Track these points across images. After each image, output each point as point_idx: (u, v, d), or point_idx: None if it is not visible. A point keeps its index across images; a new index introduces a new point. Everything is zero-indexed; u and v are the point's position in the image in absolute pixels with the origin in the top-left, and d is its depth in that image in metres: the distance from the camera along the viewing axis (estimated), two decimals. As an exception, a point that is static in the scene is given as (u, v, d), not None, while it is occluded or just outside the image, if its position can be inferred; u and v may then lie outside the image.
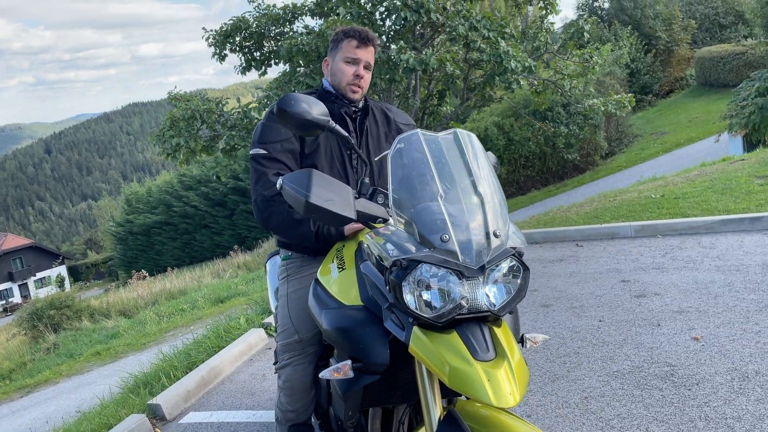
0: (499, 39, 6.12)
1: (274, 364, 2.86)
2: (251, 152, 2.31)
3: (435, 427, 1.62)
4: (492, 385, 1.44)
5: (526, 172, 20.08)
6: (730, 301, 3.93)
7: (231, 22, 7.65)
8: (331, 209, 1.65)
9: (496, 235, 1.57)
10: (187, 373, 4.19)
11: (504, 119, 18.60)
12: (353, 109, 2.37)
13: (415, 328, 1.59)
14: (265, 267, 3.13)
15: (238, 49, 7.91)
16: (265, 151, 2.26)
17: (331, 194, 1.66)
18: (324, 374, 1.73)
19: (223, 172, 6.97)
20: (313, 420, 2.56)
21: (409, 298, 1.56)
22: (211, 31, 7.69)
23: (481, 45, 6.04)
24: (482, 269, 1.54)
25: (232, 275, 20.76)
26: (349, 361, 1.71)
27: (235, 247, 27.93)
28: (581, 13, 34.21)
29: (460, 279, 1.54)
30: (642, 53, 29.67)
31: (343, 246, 2.13)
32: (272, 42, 8.03)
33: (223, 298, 13.27)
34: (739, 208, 5.93)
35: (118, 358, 9.77)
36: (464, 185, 1.64)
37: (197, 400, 3.78)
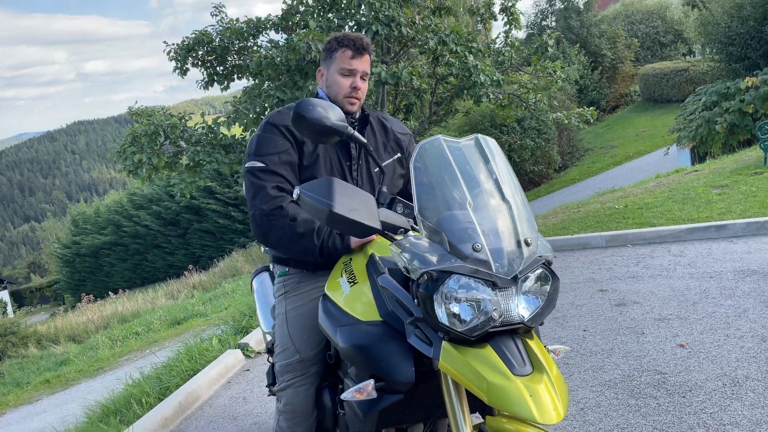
0: (466, 53, 6.17)
1: (268, 386, 2.73)
2: (247, 165, 2.20)
3: (466, 446, 1.55)
4: (535, 401, 1.38)
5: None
6: (709, 308, 3.99)
7: (193, 36, 7.49)
8: (356, 219, 1.56)
9: (527, 243, 1.52)
10: (160, 399, 3.98)
11: (462, 134, 18.81)
12: (352, 120, 2.30)
13: (445, 344, 1.52)
14: (252, 285, 2.99)
15: (200, 63, 7.73)
16: (262, 164, 2.15)
17: (355, 203, 1.58)
18: (346, 396, 1.64)
19: (187, 189, 6.76)
20: None
21: (440, 311, 1.48)
22: (173, 45, 7.50)
23: (450, 59, 6.07)
24: (515, 279, 1.49)
25: (188, 295, 20.22)
26: (371, 381, 1.62)
27: (190, 266, 27.24)
28: (530, 31, 35.10)
29: (493, 290, 1.48)
30: (589, 70, 30.60)
31: (350, 259, 2.04)
32: (235, 56, 7.90)
33: (180, 319, 12.86)
34: (703, 217, 6.09)
35: (69, 386, 9.29)
36: (491, 192, 1.58)
37: (176, 427, 3.58)
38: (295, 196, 1.63)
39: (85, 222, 44.13)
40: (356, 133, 1.81)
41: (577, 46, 29.53)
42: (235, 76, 8.09)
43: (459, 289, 1.48)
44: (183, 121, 7.04)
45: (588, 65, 30.63)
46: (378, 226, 1.61)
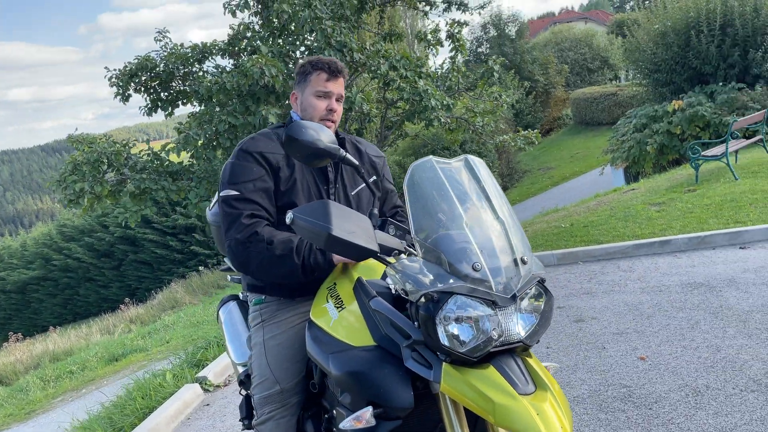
0: (416, 78, 6.27)
1: (242, 419, 2.62)
2: (221, 194, 2.13)
3: (470, 470, 1.53)
4: (542, 419, 1.38)
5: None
6: (663, 320, 4.13)
7: (136, 61, 7.30)
8: (355, 242, 1.54)
9: (523, 262, 1.54)
10: (114, 440, 3.78)
11: (405, 158, 19.02)
12: None
13: (446, 366, 1.50)
14: (218, 316, 2.88)
15: (143, 89, 7.54)
16: (237, 192, 2.10)
17: (352, 226, 1.55)
18: (344, 425, 1.59)
19: (132, 218, 6.52)
20: None
21: (441, 332, 1.47)
22: (115, 70, 7.29)
23: (401, 84, 6.15)
24: (513, 298, 1.49)
25: (125, 330, 19.41)
26: (369, 408, 1.58)
27: (126, 300, 26.19)
28: (467, 57, 36.16)
29: (493, 309, 1.48)
30: (524, 95, 31.67)
31: (334, 284, 2.00)
32: (180, 82, 7.75)
33: (118, 355, 12.30)
34: (646, 233, 6.34)
35: (-3, 433, 8.69)
36: (484, 211, 1.59)
37: (135, 469, 3.40)
38: (288, 220, 1.59)
39: (10, 257, 41.80)
40: (348, 155, 1.80)
41: (512, 72, 30.53)
42: (180, 102, 7.93)
43: (458, 309, 1.48)
44: (127, 148, 6.82)
45: (525, 90, 31.72)
46: (376, 248, 1.59)
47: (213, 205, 2.84)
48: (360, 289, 1.82)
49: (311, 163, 1.80)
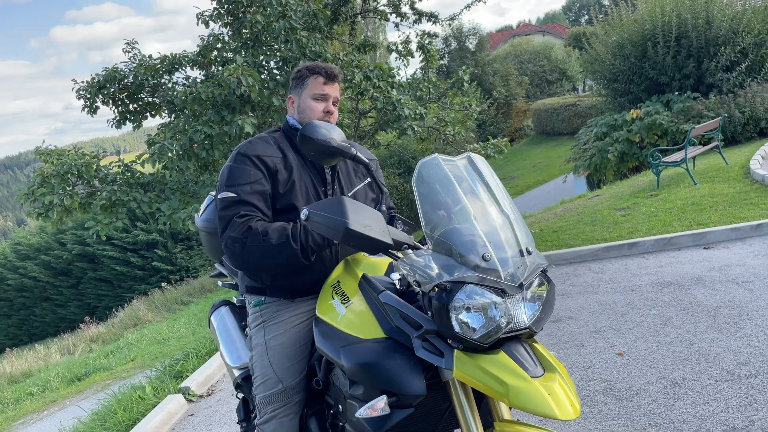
0: (389, 88, 6.37)
1: (239, 422, 2.64)
2: (219, 196, 2.17)
3: (481, 454, 1.59)
4: (554, 399, 1.45)
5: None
6: (637, 318, 4.28)
7: (104, 72, 7.22)
8: (371, 235, 1.59)
9: (528, 252, 1.61)
10: (96, 454, 3.71)
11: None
12: None
13: (457, 352, 1.57)
14: (211, 321, 2.89)
15: (111, 101, 7.46)
16: (234, 194, 2.13)
17: (367, 220, 1.61)
18: (360, 413, 1.64)
19: (104, 231, 6.40)
20: None
21: (454, 321, 1.54)
22: (82, 82, 7.19)
23: (374, 93, 6.24)
24: (520, 287, 1.57)
25: (85, 350, 18.89)
26: (384, 396, 1.64)
27: (86, 318, 25.49)
28: (422, 72, 36.61)
29: (502, 298, 1.55)
30: (486, 106, 32.21)
31: (338, 282, 2.05)
32: (148, 93, 7.68)
33: (81, 375, 11.97)
34: (614, 236, 6.55)
35: (-44, 459, 8.38)
36: (490, 205, 1.67)
37: (123, 481, 3.36)
38: (303, 216, 1.64)
39: (-39, 277, 40.28)
40: (359, 153, 1.85)
41: (475, 83, 31.05)
42: (148, 114, 7.86)
43: (470, 298, 1.54)
44: (96, 159, 6.72)
45: (490, 104, 32.27)
46: (390, 241, 1.65)
47: (202, 212, 2.85)
48: (366, 284, 1.87)
49: (324, 161, 1.85)
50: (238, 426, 2.68)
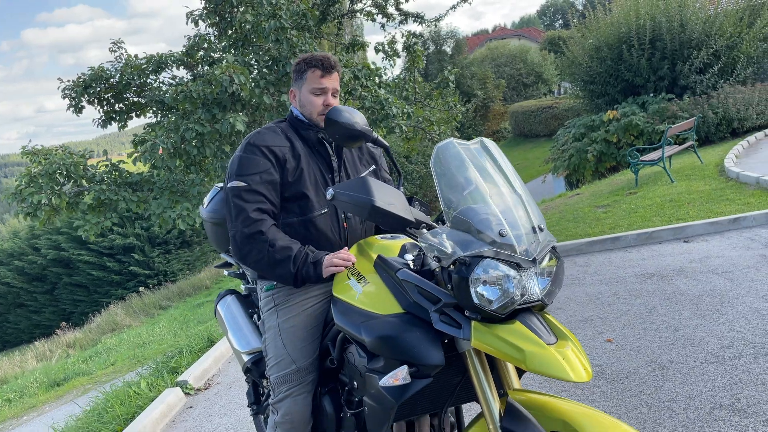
0: (377, 87, 6.47)
1: (250, 405, 2.70)
2: (229, 185, 2.24)
3: (497, 420, 1.69)
4: (568, 363, 1.55)
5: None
6: (623, 307, 4.44)
7: (90, 72, 7.21)
8: (395, 212, 1.69)
9: (540, 229, 1.72)
10: (96, 448, 3.74)
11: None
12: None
13: (475, 323, 1.66)
14: (217, 310, 2.95)
15: (96, 101, 7.45)
16: (244, 184, 2.21)
17: (390, 199, 1.70)
18: (383, 382, 1.73)
19: (92, 230, 6.39)
20: None
21: (474, 293, 1.63)
22: (68, 81, 7.17)
23: (362, 93, 6.33)
24: (534, 261, 1.67)
25: (62, 356, 18.61)
26: (405, 366, 1.73)
27: (63, 324, 25.07)
28: (408, 73, 36.85)
29: (517, 271, 1.65)
30: (465, 109, 32.56)
31: (353, 264, 2.14)
32: (133, 93, 7.69)
33: (60, 380, 11.81)
34: (597, 231, 6.72)
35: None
36: (504, 186, 1.77)
37: (127, 471, 3.40)
38: (329, 196, 1.72)
39: (-68, 283, 39.32)
40: (379, 137, 1.94)
41: (453, 86, 31.33)
42: (134, 114, 7.86)
43: (487, 272, 1.64)
44: (84, 159, 6.70)
45: (463, 104, 32.57)
46: (413, 219, 1.74)
47: (208, 204, 2.92)
48: (383, 264, 1.96)
49: (347, 144, 1.94)
50: (249, 409, 2.75)
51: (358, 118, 1.91)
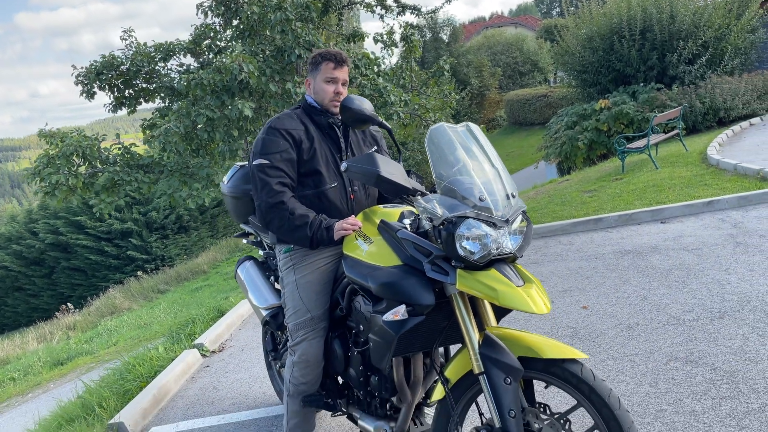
0: (375, 76, 6.85)
1: (269, 352, 3.13)
2: (254, 162, 2.64)
3: (477, 348, 2.11)
4: (531, 299, 1.98)
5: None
6: (600, 280, 4.87)
7: (102, 59, 7.57)
8: (397, 181, 2.10)
9: (513, 196, 2.13)
10: (122, 402, 4.16)
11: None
12: (338, 119, 2.81)
13: (460, 271, 2.08)
14: (237, 274, 3.36)
15: (107, 87, 7.81)
16: (267, 161, 2.61)
17: (393, 170, 2.11)
18: (386, 317, 2.15)
19: (107, 209, 6.79)
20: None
21: (459, 246, 2.05)
22: (82, 68, 7.53)
23: (362, 81, 6.71)
24: (507, 221, 2.09)
25: (63, 338, 18.98)
26: (403, 305, 2.15)
27: (63, 306, 25.41)
28: (404, 62, 37.08)
29: (493, 229, 2.07)
30: (461, 97, 32.83)
31: (360, 228, 2.55)
32: (142, 80, 8.05)
33: (63, 359, 12.16)
34: (581, 214, 7.15)
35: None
36: (484, 161, 2.18)
37: (155, 417, 3.81)
38: (343, 168, 2.13)
39: (-70, 268, 39.56)
40: (384, 121, 2.35)
41: (449, 74, 31.59)
42: (142, 100, 8.23)
43: (468, 230, 2.05)
44: (97, 142, 7.08)
45: (459, 92, 32.84)
46: (410, 187, 2.15)
47: (228, 180, 3.33)
48: (385, 227, 2.37)
49: (359, 126, 2.35)
50: (261, 367, 3.18)
51: (366, 105, 2.32)
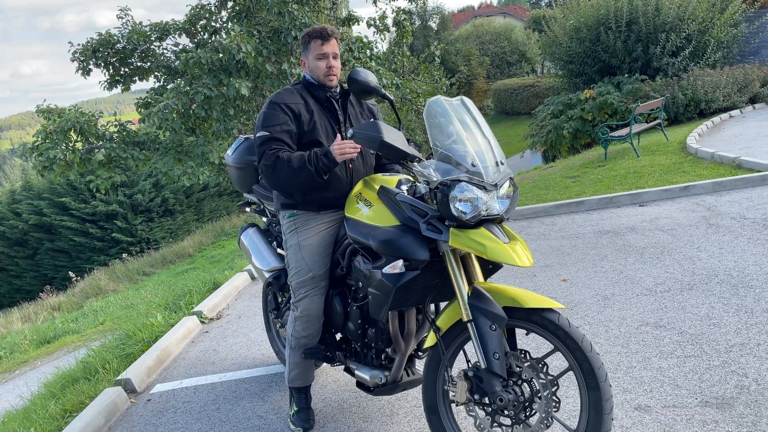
0: (369, 60, 7.04)
1: (271, 311, 3.35)
2: (257, 134, 2.85)
3: (466, 299, 2.35)
4: (516, 254, 2.22)
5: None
6: (579, 256, 5.15)
7: (98, 37, 7.68)
8: (398, 146, 2.32)
9: (502, 163, 2.37)
10: (124, 364, 4.36)
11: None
12: (335, 93, 2.99)
13: (452, 229, 2.32)
14: (241, 240, 3.57)
15: (103, 64, 7.93)
16: (268, 133, 2.82)
17: (395, 137, 2.34)
18: (385, 270, 2.38)
19: (103, 185, 6.93)
20: None
21: (452, 207, 2.28)
22: (78, 45, 7.64)
23: (355, 65, 6.91)
24: (495, 186, 2.32)
25: (47, 318, 19.00)
26: (400, 260, 2.38)
27: (47, 287, 25.33)
28: (394, 48, 37.18)
29: (483, 192, 2.30)
30: (449, 86, 33.03)
31: (360, 193, 2.77)
32: (137, 58, 8.17)
33: (50, 338, 12.21)
34: (564, 197, 7.43)
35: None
36: (476, 131, 2.41)
37: (159, 375, 4.03)
38: (349, 134, 2.35)
39: None
40: (387, 93, 2.57)
41: (438, 62, 31.73)
42: (137, 78, 8.35)
43: (461, 192, 2.28)
44: (94, 118, 7.21)
45: (447, 81, 33.02)
46: (410, 152, 2.38)
47: (233, 152, 3.53)
48: (384, 192, 2.60)
49: (364, 97, 2.56)
50: (271, 314, 3.40)
51: (371, 78, 2.53)
